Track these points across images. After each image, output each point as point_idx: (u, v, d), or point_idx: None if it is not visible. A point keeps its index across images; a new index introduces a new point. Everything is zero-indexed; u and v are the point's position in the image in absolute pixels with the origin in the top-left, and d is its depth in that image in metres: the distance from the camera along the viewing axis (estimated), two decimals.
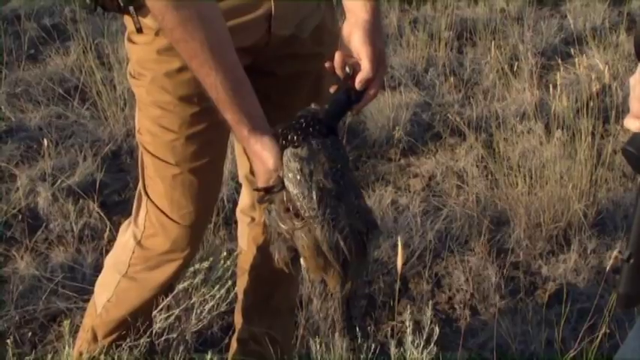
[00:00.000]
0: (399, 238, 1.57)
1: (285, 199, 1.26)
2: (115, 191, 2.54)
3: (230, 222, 2.34)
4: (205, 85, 1.32)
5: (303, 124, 1.27)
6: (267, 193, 1.29)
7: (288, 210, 1.26)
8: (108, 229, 2.31)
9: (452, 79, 3.22)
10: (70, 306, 2.00)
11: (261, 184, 1.29)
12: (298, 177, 1.24)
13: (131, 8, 1.40)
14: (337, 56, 1.39)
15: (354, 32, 1.42)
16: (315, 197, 1.24)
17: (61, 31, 3.44)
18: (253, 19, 1.47)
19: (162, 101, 1.49)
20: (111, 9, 1.44)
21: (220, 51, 1.32)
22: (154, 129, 1.52)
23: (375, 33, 1.43)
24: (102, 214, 2.39)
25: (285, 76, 1.61)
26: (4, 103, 2.91)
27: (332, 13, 1.69)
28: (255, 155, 1.30)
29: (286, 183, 1.25)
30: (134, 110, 2.84)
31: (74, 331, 1.76)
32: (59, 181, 2.52)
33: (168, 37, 1.32)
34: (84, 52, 3.09)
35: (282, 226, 1.29)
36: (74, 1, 3.60)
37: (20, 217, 2.39)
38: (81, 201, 2.45)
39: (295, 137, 1.25)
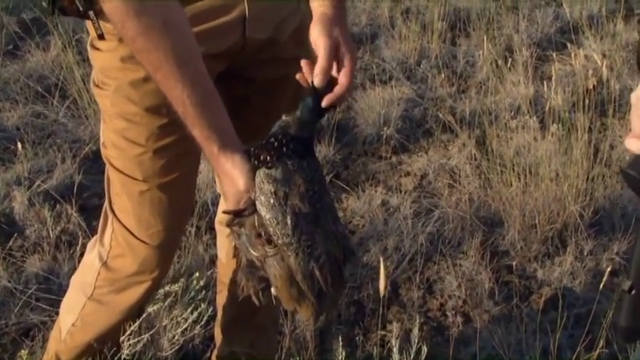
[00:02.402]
0: (381, 260, 1.50)
1: (256, 223, 1.20)
2: (94, 194, 2.46)
3: (214, 226, 2.28)
4: (171, 98, 1.26)
5: (277, 144, 1.21)
6: (236, 217, 1.22)
7: (259, 235, 1.20)
8: (87, 235, 2.23)
9: (445, 72, 3.18)
10: (44, 319, 1.95)
11: (230, 206, 1.23)
12: (272, 200, 1.18)
13: (91, 13, 1.33)
14: (303, 63, 1.35)
15: (313, 28, 1.38)
16: (289, 222, 1.18)
17: (41, 26, 3.38)
18: (226, 22, 1.42)
19: (128, 112, 1.42)
20: (70, 13, 1.36)
21: (187, 62, 1.26)
22: (120, 142, 1.46)
23: (332, 24, 1.37)
24: (80, 219, 2.34)
25: (265, 81, 1.57)
26: None
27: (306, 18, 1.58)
28: (225, 174, 1.24)
29: (258, 206, 1.18)
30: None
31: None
32: (36, 184, 2.47)
33: (130, 46, 1.25)
34: (64, 48, 3.02)
35: (253, 252, 1.23)
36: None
37: None
38: (58, 206, 2.40)
39: (269, 157, 1.19)
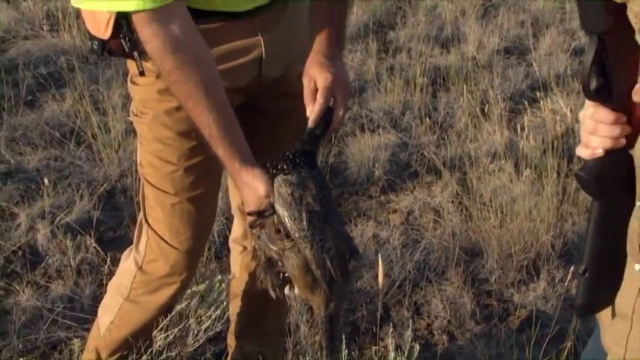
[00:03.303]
0: (379, 257, 1.64)
1: (275, 221, 1.31)
2: (110, 228, 2.57)
3: (221, 255, 2.39)
4: (198, 123, 1.38)
5: (291, 156, 1.34)
6: (259, 217, 1.34)
7: (278, 231, 1.31)
8: (105, 263, 2.34)
9: (427, 121, 3.25)
10: (69, 335, 2.04)
11: (252, 210, 1.35)
12: (289, 200, 1.29)
13: (135, 53, 1.46)
14: (305, 101, 1.47)
15: (310, 66, 1.49)
16: (304, 219, 1.29)
17: (57, 79, 3.45)
18: (246, 62, 1.54)
19: (163, 136, 1.54)
20: (117, 54, 1.49)
21: (213, 92, 1.37)
22: (155, 162, 1.56)
23: (329, 66, 1.48)
24: (99, 249, 2.42)
25: (275, 113, 1.67)
26: (4, 147, 2.92)
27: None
28: (246, 185, 1.36)
29: (277, 207, 1.30)
30: (128, 152, 2.91)
31: (75, 358, 1.80)
32: (58, 218, 2.54)
33: (166, 79, 1.37)
34: (80, 98, 3.13)
35: (273, 247, 1.33)
36: (69, 51, 3.64)
37: (21, 253, 2.42)
38: (78, 237, 2.47)
39: (285, 166, 1.32)
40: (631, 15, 0.89)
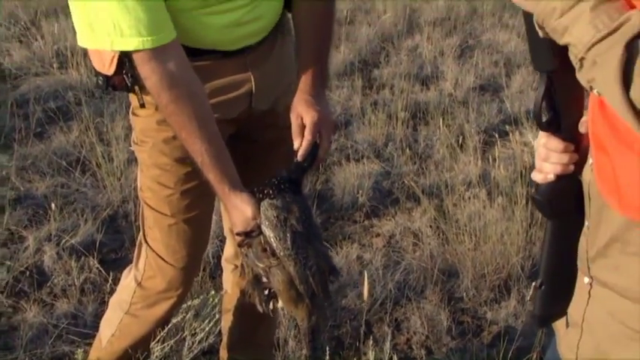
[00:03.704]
0: (365, 275, 1.67)
1: (262, 241, 1.34)
2: (112, 250, 2.59)
3: (215, 275, 2.39)
4: (192, 151, 1.40)
5: (277, 183, 1.37)
6: (246, 237, 1.36)
7: (265, 250, 1.34)
8: (107, 282, 2.35)
9: (408, 152, 3.25)
10: (73, 349, 2.04)
11: (240, 230, 1.38)
12: (275, 222, 1.32)
13: (136, 87, 1.50)
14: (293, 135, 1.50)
15: (297, 104, 1.53)
16: (289, 239, 1.32)
17: (65, 113, 3.46)
18: (237, 95, 1.57)
19: (161, 163, 1.57)
20: (120, 88, 1.53)
21: (205, 124, 1.40)
22: (154, 186, 1.59)
23: (314, 101, 1.52)
24: (101, 269, 2.43)
25: (264, 143, 1.70)
26: (14, 175, 2.92)
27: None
28: (234, 208, 1.39)
29: (263, 228, 1.33)
30: (129, 180, 2.93)
31: None
32: (63, 241, 2.55)
33: (163, 111, 1.40)
34: (85, 129, 3.15)
35: (260, 264, 1.36)
36: (77, 87, 3.65)
37: (28, 273, 2.42)
38: (82, 258, 2.48)
39: (271, 191, 1.36)
40: (571, 56, 0.95)
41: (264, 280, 1.38)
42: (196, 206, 1.61)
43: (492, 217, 2.65)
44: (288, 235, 1.32)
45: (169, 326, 1.75)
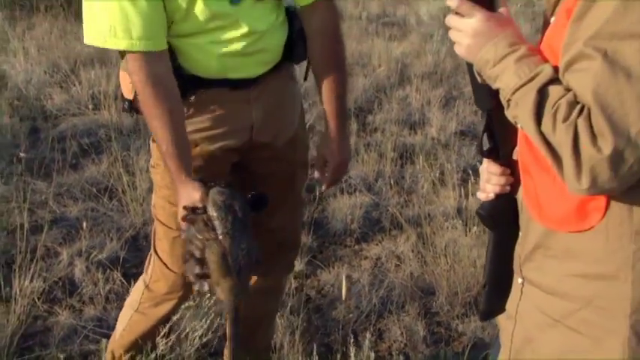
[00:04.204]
0: (343, 278, 1.75)
1: (205, 219, 1.39)
2: (133, 265, 2.64)
3: None
4: (159, 139, 1.47)
5: (227, 181, 1.47)
6: (192, 213, 1.42)
7: (206, 225, 1.39)
8: (128, 293, 2.38)
9: (395, 187, 3.30)
10: (99, 347, 2.06)
11: (186, 205, 1.44)
12: (220, 204, 1.39)
13: None
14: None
15: (324, 148, 1.65)
16: (229, 220, 1.38)
17: (97, 147, 3.52)
18: (239, 127, 1.62)
19: (170, 183, 1.60)
20: (138, 112, 1.59)
21: (175, 119, 1.47)
22: (164, 204, 1.64)
23: (338, 149, 1.64)
24: (124, 281, 2.49)
25: (262, 175, 1.73)
26: (52, 200, 2.98)
27: (303, 130, 1.81)
28: (186, 192, 1.44)
29: (209, 208, 1.39)
30: (150, 205, 3.02)
31: None
32: (92, 256, 2.61)
33: (143, 103, 1.46)
34: (114, 162, 3.21)
35: (199, 237, 1.39)
36: (108, 125, 3.69)
37: (61, 283, 2.49)
38: (108, 271, 2.53)
39: (223, 183, 1.45)
40: (502, 98, 1.08)
41: (198, 254, 1.41)
42: None
43: (467, 244, 2.70)
44: (229, 217, 1.38)
45: (170, 323, 1.81)
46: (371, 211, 3.14)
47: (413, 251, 2.78)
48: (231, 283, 1.40)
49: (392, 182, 3.37)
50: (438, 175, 3.38)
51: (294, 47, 1.64)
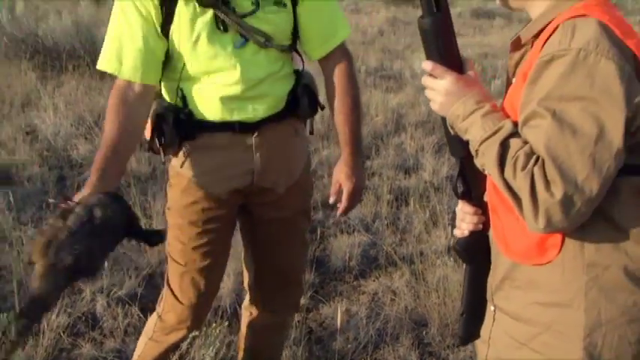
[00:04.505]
0: (338, 309, 1.80)
1: (68, 210, 1.34)
2: (150, 301, 2.58)
3: (232, 323, 2.43)
4: (100, 147, 1.49)
5: (115, 196, 1.42)
6: (64, 202, 1.37)
7: (63, 215, 1.32)
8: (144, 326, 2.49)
9: (391, 227, 3.34)
10: None
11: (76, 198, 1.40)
12: (86, 204, 1.33)
13: (161, 149, 1.64)
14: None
15: (339, 173, 1.69)
16: (82, 219, 1.31)
17: (117, 192, 3.60)
18: (241, 171, 1.66)
19: (179, 223, 1.68)
20: (155, 151, 1.66)
21: (122, 138, 1.50)
22: (174, 242, 1.70)
23: (350, 176, 1.67)
24: (141, 316, 2.51)
25: (261, 220, 1.77)
26: None
27: (307, 179, 1.81)
28: (85, 191, 1.43)
29: (78, 207, 1.33)
30: (164, 246, 3.06)
31: None
32: (112, 292, 2.65)
33: (105, 121, 1.51)
34: (133, 206, 3.06)
35: (50, 221, 1.34)
36: (127, 172, 3.62)
37: (84, 317, 2.53)
38: (126, 307, 2.56)
39: (112, 194, 1.41)
40: (471, 148, 1.17)
41: (42, 236, 1.34)
42: (203, 260, 1.71)
43: (457, 279, 2.69)
44: (84, 217, 1.31)
45: (180, 351, 1.83)
46: (368, 250, 3.17)
47: (407, 286, 2.80)
48: (43, 270, 1.30)
49: (388, 222, 3.41)
50: (430, 216, 3.41)
51: (300, 102, 1.69)
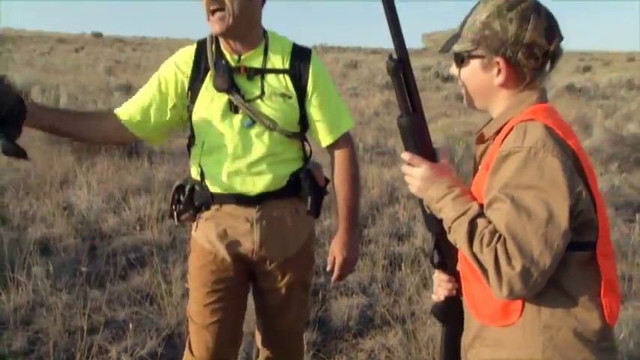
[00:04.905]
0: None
1: None
2: (169, 359, 2.68)
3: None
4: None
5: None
6: None
7: None
8: None
9: (386, 289, 3.34)
10: None
11: None
12: None
13: (176, 216, 1.74)
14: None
15: (334, 246, 1.72)
16: None
17: (141, 261, 3.62)
18: (242, 240, 1.71)
19: (195, 285, 1.72)
20: (187, 220, 1.74)
21: (83, 120, 1.66)
22: (191, 303, 1.76)
23: (342, 248, 1.69)
24: None
25: (266, 288, 1.80)
26: (105, 305, 3.04)
27: (306, 254, 1.82)
28: None
29: None
30: (183, 309, 3.09)
31: None
32: (135, 352, 2.65)
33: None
34: (155, 273, 3.30)
35: None
36: (151, 243, 3.79)
37: None
38: None
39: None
40: (444, 225, 1.26)
41: None
42: (212, 317, 1.74)
43: None
44: None
45: None
46: (366, 311, 3.17)
47: (400, 344, 2.80)
48: None
49: (383, 285, 3.41)
50: (422, 279, 3.43)
51: (302, 185, 1.74)
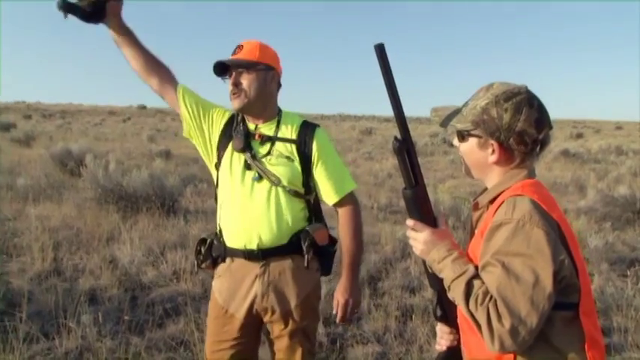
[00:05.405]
0: None
1: None
2: None
3: None
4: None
5: None
6: None
7: None
8: None
9: (399, 338, 3.30)
10: None
11: None
12: None
13: (198, 264, 1.76)
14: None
15: (337, 291, 1.73)
16: None
17: (176, 310, 3.62)
18: (247, 291, 1.74)
19: (207, 332, 1.76)
20: (206, 268, 1.76)
21: (142, 55, 1.80)
22: (206, 351, 1.77)
23: (343, 292, 1.71)
24: None
25: (271, 338, 1.82)
26: (144, 351, 2.99)
27: (307, 308, 1.81)
28: None
29: None
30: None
31: None
32: None
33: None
34: (188, 322, 3.31)
35: None
36: (185, 293, 3.79)
37: None
38: None
39: None
40: (445, 284, 1.31)
41: None
42: (226, 356, 1.76)
43: None
44: None
45: None
46: (380, 358, 3.13)
47: None
48: None
49: (396, 335, 3.37)
50: (432, 328, 3.37)
51: (302, 244, 1.78)
